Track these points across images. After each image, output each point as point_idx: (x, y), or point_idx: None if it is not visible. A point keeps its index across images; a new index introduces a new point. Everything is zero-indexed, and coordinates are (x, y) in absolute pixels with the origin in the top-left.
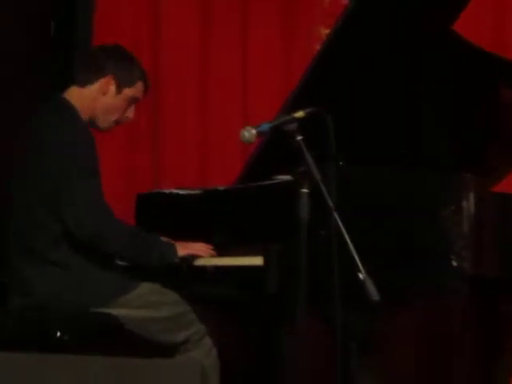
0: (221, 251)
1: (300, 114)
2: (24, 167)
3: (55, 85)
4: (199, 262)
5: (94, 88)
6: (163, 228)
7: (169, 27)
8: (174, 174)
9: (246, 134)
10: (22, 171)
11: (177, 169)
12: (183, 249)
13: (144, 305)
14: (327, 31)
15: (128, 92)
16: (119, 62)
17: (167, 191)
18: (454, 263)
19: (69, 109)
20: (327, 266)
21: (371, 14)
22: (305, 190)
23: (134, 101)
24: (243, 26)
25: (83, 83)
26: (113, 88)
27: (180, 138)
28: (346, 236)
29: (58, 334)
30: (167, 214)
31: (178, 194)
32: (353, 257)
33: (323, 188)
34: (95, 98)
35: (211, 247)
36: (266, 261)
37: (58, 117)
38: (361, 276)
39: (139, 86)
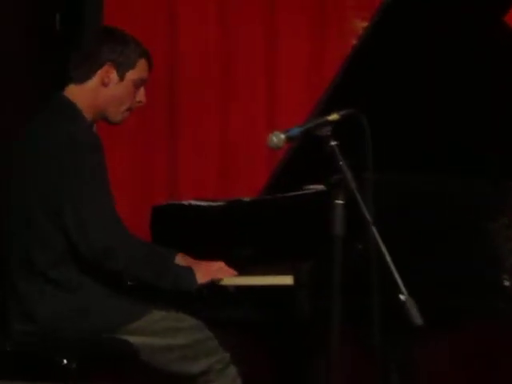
0: (245, 269)
1: (334, 116)
2: (23, 170)
3: (57, 83)
4: (221, 282)
5: (93, 82)
6: (181, 244)
7: (186, 22)
8: (192, 182)
9: (274, 138)
10: (21, 174)
11: (195, 176)
12: (203, 275)
13: (158, 331)
14: (364, 24)
15: (131, 75)
16: (113, 46)
17: (186, 203)
18: (506, 283)
19: (69, 108)
20: (364, 285)
21: (414, 3)
22: (339, 201)
23: (141, 83)
24: (268, 18)
25: (81, 80)
26: (114, 76)
27: (199, 143)
28: (386, 253)
29: (65, 361)
30: (186, 229)
31: (198, 206)
32: (393, 276)
33: (360, 199)
34: (97, 93)
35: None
36: (296, 280)
37: (57, 116)
38: (402, 297)
39: (142, 65)
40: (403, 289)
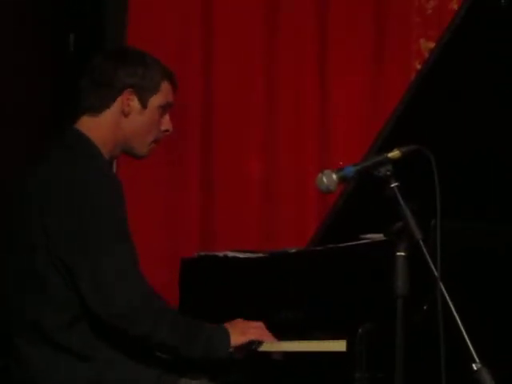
0: (289, 333)
1: (395, 153)
2: (30, 219)
3: (71, 112)
4: (261, 348)
5: (111, 113)
6: (215, 303)
7: (224, 44)
8: (228, 229)
9: (324, 179)
10: (27, 224)
11: (232, 223)
12: (239, 335)
13: None
14: (431, 45)
15: (155, 101)
16: (131, 68)
17: (220, 254)
18: None
19: (83, 144)
20: (431, 352)
21: (491, 20)
22: (401, 253)
23: (166, 108)
24: (321, 35)
25: (96, 110)
26: (135, 104)
27: (236, 185)
28: (456, 315)
29: None
30: (220, 285)
31: (234, 258)
32: (465, 341)
33: (425, 251)
34: (117, 125)
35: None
36: (349, 345)
37: (69, 155)
38: (475, 366)
39: (165, 88)
40: (476, 356)
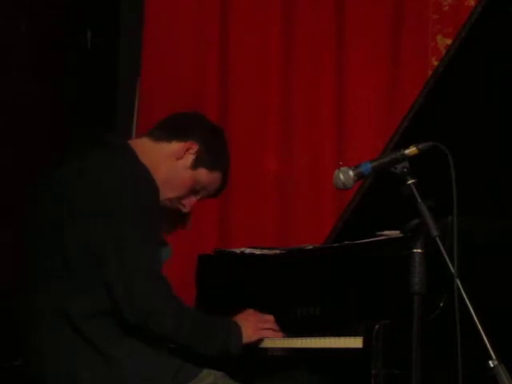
0: (305, 329)
1: (412, 150)
2: (60, 212)
3: (87, 107)
4: (278, 344)
5: (168, 147)
6: (230, 299)
7: (240, 43)
8: (245, 227)
9: (341, 176)
10: (58, 217)
11: (250, 221)
12: (251, 333)
13: None
14: (448, 41)
15: (202, 174)
16: (210, 140)
17: (238, 251)
18: None
19: (130, 152)
20: (448, 349)
21: (508, 17)
22: (418, 250)
23: (200, 191)
24: (338, 32)
25: (158, 138)
26: (189, 159)
27: (254, 183)
28: (473, 312)
29: None
30: (237, 281)
31: (252, 254)
32: (481, 338)
33: (442, 248)
34: (165, 159)
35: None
36: (367, 342)
37: (113, 156)
38: (491, 363)
39: (216, 177)
40: (493, 353)
